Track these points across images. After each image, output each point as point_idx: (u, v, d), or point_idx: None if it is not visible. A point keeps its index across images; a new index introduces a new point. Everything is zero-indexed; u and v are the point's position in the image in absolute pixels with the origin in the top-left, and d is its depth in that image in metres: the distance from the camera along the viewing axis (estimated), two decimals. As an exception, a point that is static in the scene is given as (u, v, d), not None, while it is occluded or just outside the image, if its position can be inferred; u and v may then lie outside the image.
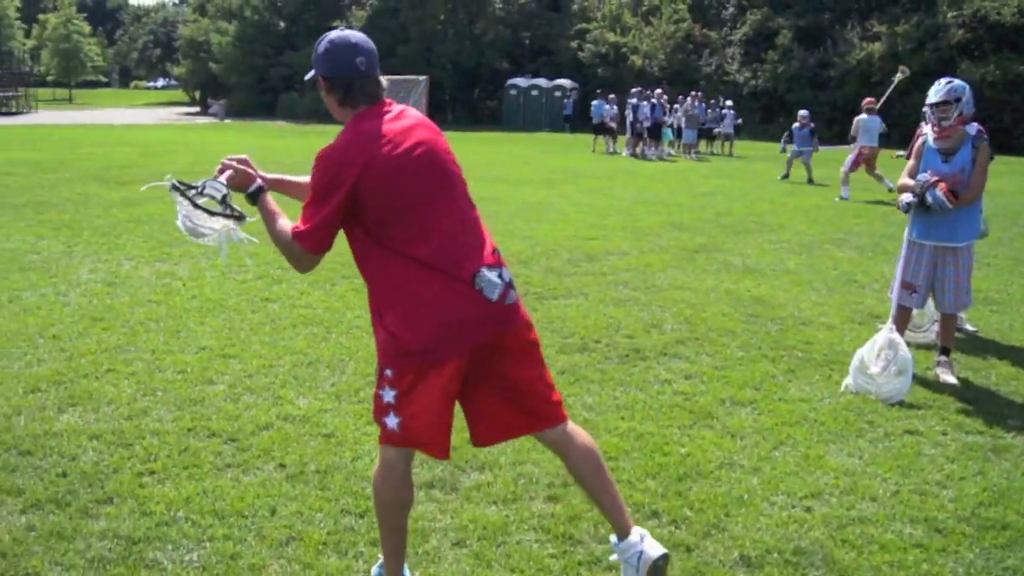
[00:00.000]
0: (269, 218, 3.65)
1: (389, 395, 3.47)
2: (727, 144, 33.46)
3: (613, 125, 32.64)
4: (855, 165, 19.60)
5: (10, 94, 59.86)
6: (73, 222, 12.83)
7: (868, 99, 20.18)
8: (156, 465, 4.91)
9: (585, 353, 7.21)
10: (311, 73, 3.62)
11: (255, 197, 3.72)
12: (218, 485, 4.69)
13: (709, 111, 33.86)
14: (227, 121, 52.28)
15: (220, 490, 4.63)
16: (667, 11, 52.36)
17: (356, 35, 3.61)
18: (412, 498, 3.71)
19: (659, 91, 32.92)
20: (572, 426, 3.77)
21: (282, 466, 4.95)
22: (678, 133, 32.57)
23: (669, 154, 31.76)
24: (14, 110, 57.59)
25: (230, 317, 7.96)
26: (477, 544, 4.18)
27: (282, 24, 61.17)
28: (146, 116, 57.97)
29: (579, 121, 47.17)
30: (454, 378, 3.47)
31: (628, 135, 31.09)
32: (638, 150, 30.66)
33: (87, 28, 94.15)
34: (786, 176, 23.22)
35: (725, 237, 13.28)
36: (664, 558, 3.64)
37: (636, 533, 3.70)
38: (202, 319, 7.87)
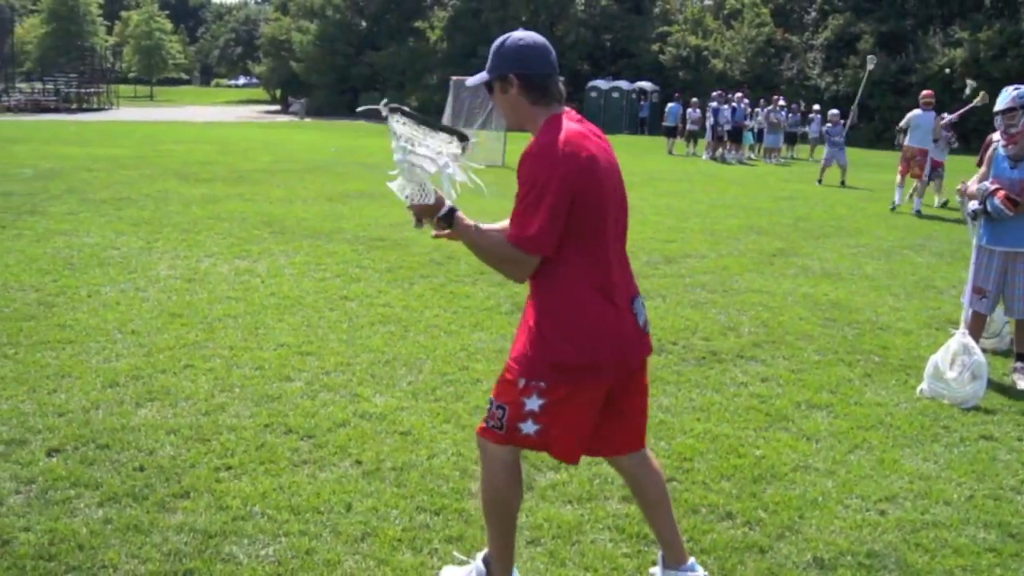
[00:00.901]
0: (473, 232, 3.46)
1: (535, 403, 3.42)
2: (813, 149, 32.96)
3: (694, 128, 32.42)
4: (903, 166, 17.77)
5: (92, 91, 61.29)
6: (153, 218, 13.11)
7: (926, 92, 18.28)
8: (233, 460, 5.00)
9: (662, 355, 7.19)
10: (480, 77, 3.52)
11: (449, 218, 3.48)
12: (294, 481, 4.77)
13: (790, 115, 33.46)
14: (307, 120, 52.98)
15: (296, 486, 4.71)
16: (749, 15, 51.88)
17: (539, 35, 3.53)
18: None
19: (739, 95, 32.62)
20: (648, 452, 3.79)
21: (358, 463, 5.02)
22: (759, 137, 32.26)
23: (749, 158, 31.48)
24: (96, 106, 58.97)
25: (308, 315, 8.07)
26: (552, 543, 4.21)
27: (363, 23, 61.79)
28: (226, 114, 59.00)
29: (657, 124, 46.96)
30: (604, 396, 3.49)
31: (708, 138, 30.87)
32: (718, 153, 30.43)
33: (169, 26, 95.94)
34: (820, 181, 23.01)
35: (803, 241, 13.14)
36: None
37: (692, 561, 3.77)
38: (280, 316, 8.00)
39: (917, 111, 17.65)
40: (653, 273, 10.31)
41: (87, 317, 7.76)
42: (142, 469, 4.85)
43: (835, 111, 24.02)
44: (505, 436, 3.50)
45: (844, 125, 23.43)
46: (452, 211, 3.46)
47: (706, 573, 3.86)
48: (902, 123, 18.15)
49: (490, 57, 3.50)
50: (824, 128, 23.66)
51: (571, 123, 3.38)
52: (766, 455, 5.31)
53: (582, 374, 3.38)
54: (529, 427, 3.45)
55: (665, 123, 34.32)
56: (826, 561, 4.14)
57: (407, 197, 3.53)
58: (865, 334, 8.05)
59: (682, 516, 4.48)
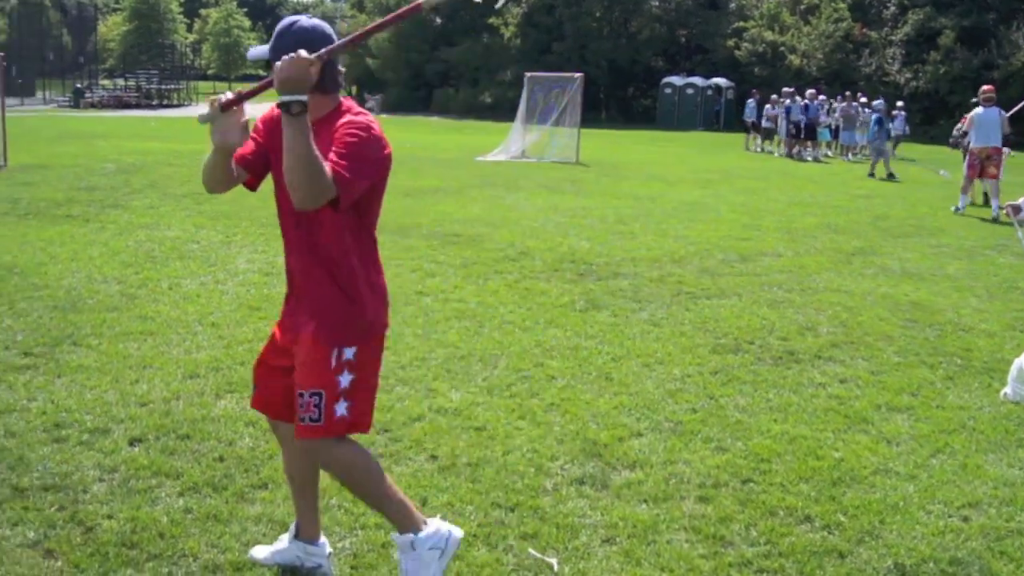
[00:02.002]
0: (306, 135, 3.14)
1: (346, 380, 3.50)
2: (896, 145, 32.24)
3: (770, 125, 32.02)
4: (971, 170, 16.67)
5: (172, 87, 62.35)
6: (232, 212, 13.29)
7: (986, 87, 17.32)
8: (311, 453, 5.05)
9: (738, 354, 7.12)
10: (261, 51, 3.51)
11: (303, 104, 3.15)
12: (371, 474, 4.79)
13: (866, 111, 32.84)
14: (382, 116, 53.35)
15: (373, 479, 4.73)
16: (827, 10, 51.02)
17: (327, 25, 3.51)
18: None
19: (811, 91, 32.09)
20: None
21: (433, 457, 5.04)
22: (835, 134, 31.75)
23: (826, 155, 31.00)
24: (176, 103, 59.99)
25: (385, 309, 8.11)
26: (627, 542, 4.18)
27: (438, 20, 62.03)
28: (304, 110, 59.59)
29: (731, 121, 46.50)
30: None
31: (784, 135, 30.48)
32: (794, 151, 30.01)
33: (247, 23, 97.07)
34: (872, 175, 23.21)
35: (883, 240, 12.91)
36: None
37: (323, 541, 3.92)
38: (357, 310, 8.04)
39: (979, 109, 16.89)
40: (728, 271, 10.21)
41: (168, 309, 7.90)
42: (222, 459, 4.92)
43: (880, 102, 24.00)
44: (324, 427, 3.48)
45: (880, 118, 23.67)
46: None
47: (329, 551, 3.90)
48: (964, 125, 17.46)
49: (276, 38, 3.46)
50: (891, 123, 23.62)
51: (361, 109, 3.54)
52: (845, 458, 5.22)
53: (380, 331, 3.64)
54: (342, 408, 3.49)
55: (745, 119, 33.98)
56: (908, 568, 4.06)
57: None
58: (947, 336, 7.88)
59: (759, 518, 4.44)
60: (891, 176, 22.90)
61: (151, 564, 3.89)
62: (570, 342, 7.28)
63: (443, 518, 3.84)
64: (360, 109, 3.52)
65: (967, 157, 17.04)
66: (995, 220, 15.58)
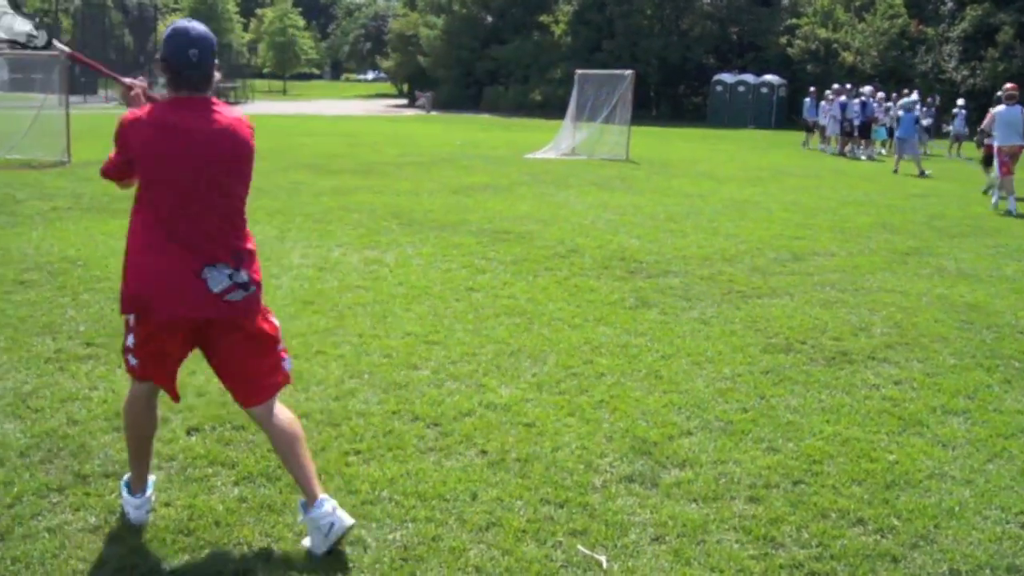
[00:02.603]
0: None
1: (130, 339, 4.06)
2: (955, 145, 31.78)
3: (825, 123, 31.68)
4: (1004, 167, 16.53)
5: (229, 85, 62.98)
6: (286, 208, 13.44)
7: (1009, 84, 17.15)
8: (362, 445, 5.11)
9: (790, 354, 7.08)
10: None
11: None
12: (421, 468, 4.84)
13: (924, 109, 32.39)
14: (433, 113, 53.59)
15: (423, 473, 4.78)
16: (882, 6, 50.38)
17: (197, 28, 3.92)
18: (154, 427, 4.30)
19: (870, 88, 31.73)
20: (276, 407, 4.20)
21: (483, 452, 5.07)
22: (890, 133, 31.34)
23: (880, 154, 30.63)
24: (232, 100, 60.59)
25: (435, 304, 8.18)
26: (676, 541, 4.19)
27: (489, 18, 62.15)
28: (355, 108, 60.08)
29: (783, 118, 46.13)
30: (181, 339, 4.05)
31: (837, 133, 30.16)
32: (847, 149, 29.70)
33: (302, 22, 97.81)
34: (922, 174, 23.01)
35: (938, 240, 12.75)
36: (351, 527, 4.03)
37: (321, 498, 4.03)
38: (408, 305, 8.12)
39: (1001, 107, 16.69)
40: (780, 270, 10.15)
41: (223, 303, 7.98)
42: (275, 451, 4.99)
43: (914, 98, 23.83)
44: (128, 369, 4.12)
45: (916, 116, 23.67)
46: None
47: (334, 504, 4.01)
48: (985, 123, 17.29)
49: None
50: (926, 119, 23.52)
51: (174, 104, 3.91)
52: (899, 460, 5.18)
53: (139, 305, 3.94)
54: (132, 359, 4.07)
55: (803, 118, 33.66)
56: (963, 574, 4.02)
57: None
58: (1005, 338, 7.78)
59: (811, 520, 4.42)
60: (922, 174, 22.83)
61: (207, 551, 3.97)
62: (619, 339, 7.28)
63: None
64: (156, 106, 3.98)
65: (997, 155, 16.90)
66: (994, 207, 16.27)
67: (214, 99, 4.01)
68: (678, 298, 8.71)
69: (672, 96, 57.64)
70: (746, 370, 6.64)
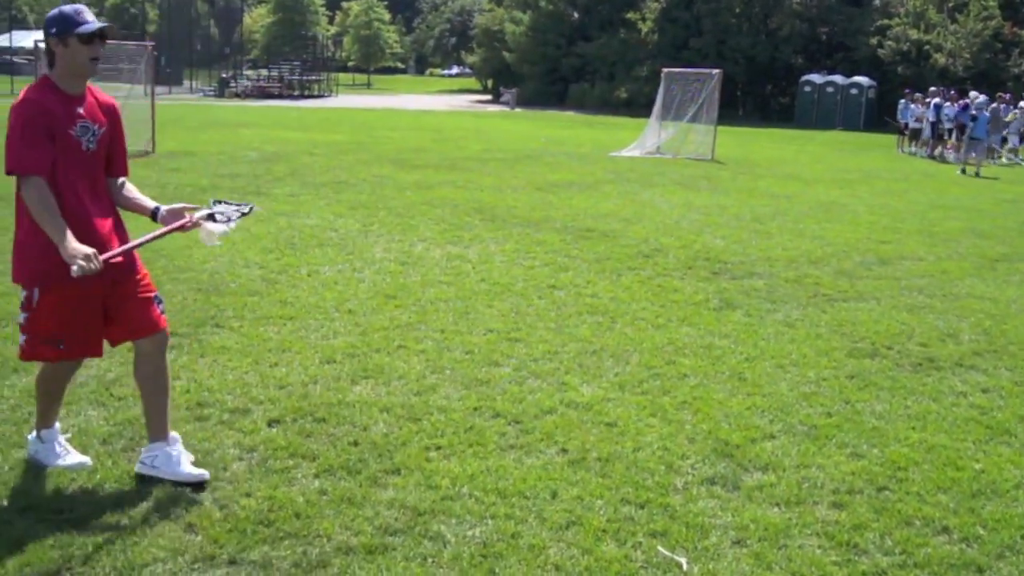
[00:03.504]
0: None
1: (21, 317, 4.39)
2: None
3: (918, 126, 30.96)
4: None
5: (313, 78, 63.80)
6: (369, 202, 13.56)
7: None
8: (442, 441, 5.12)
9: (875, 359, 6.93)
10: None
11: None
12: (501, 465, 4.83)
13: (1015, 112, 31.44)
14: (517, 110, 53.61)
15: (503, 470, 4.77)
16: (975, 8, 49.04)
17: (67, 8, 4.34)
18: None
19: (973, 92, 30.85)
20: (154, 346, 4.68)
21: (564, 451, 5.05)
22: (961, 130, 30.44)
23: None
24: (316, 93, 61.41)
25: (517, 302, 8.17)
26: (758, 545, 4.12)
27: (576, 15, 61.92)
28: (439, 103, 60.37)
29: (872, 120, 45.22)
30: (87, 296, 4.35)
31: (928, 137, 29.47)
32: (937, 152, 29.00)
33: (387, 16, 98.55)
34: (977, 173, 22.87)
35: (1032, 247, 12.39)
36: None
37: (173, 435, 4.57)
38: (490, 302, 8.13)
39: None
40: (866, 274, 9.95)
41: (307, 295, 8.09)
42: (356, 444, 5.02)
43: (978, 97, 23.25)
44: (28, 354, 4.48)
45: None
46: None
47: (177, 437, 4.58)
48: None
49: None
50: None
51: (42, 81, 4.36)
52: (986, 469, 5.04)
53: (50, 274, 4.21)
54: (22, 338, 4.40)
55: (897, 120, 32.93)
56: (1052, 586, 3.90)
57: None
58: (1101, 348, 7.52)
59: (895, 527, 4.32)
60: (977, 175, 22.67)
61: (287, 543, 4.00)
62: (703, 341, 7.20)
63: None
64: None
65: None
66: None
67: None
68: (763, 300, 8.59)
69: (759, 96, 56.84)
70: (831, 374, 6.52)
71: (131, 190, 4.68)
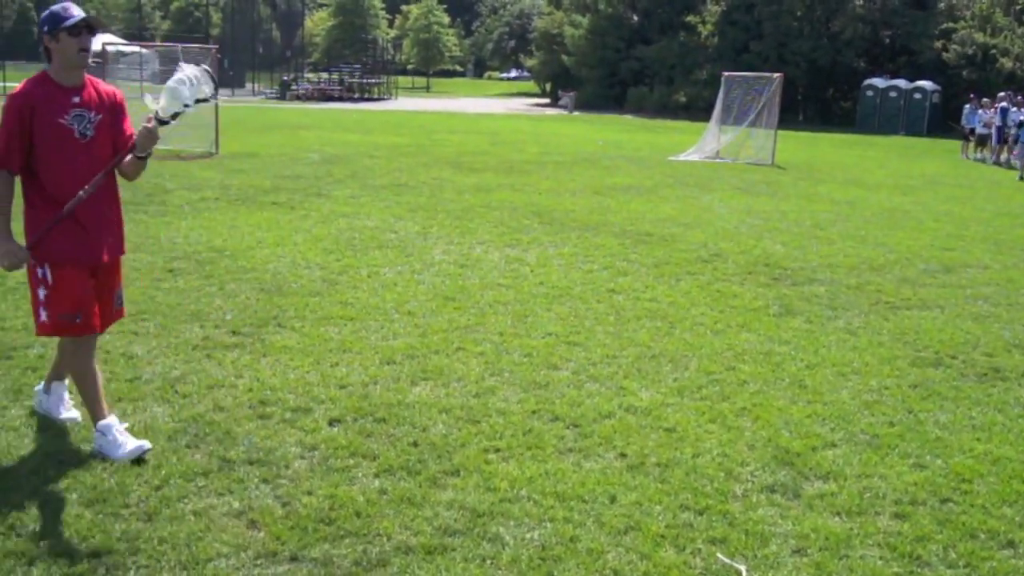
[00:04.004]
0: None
1: (41, 293, 4.71)
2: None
3: (985, 131, 30.43)
4: None
5: (373, 81, 64.24)
6: (428, 205, 13.64)
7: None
8: (501, 443, 5.13)
9: (939, 368, 6.83)
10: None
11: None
12: (560, 468, 4.83)
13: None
14: (575, 113, 53.56)
15: (562, 473, 4.77)
16: (1044, 10, 48.19)
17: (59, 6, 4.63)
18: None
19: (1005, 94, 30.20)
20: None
21: (623, 455, 5.04)
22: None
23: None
24: (376, 96, 61.80)
25: (575, 305, 8.17)
26: (818, 554, 4.08)
27: (635, 18, 61.72)
28: (497, 106, 60.54)
29: (937, 125, 44.54)
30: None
31: (994, 142, 28.97)
32: (1002, 158, 28.48)
33: (446, 19, 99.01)
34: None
35: (1103, 255, 12.12)
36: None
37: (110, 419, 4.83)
38: (548, 305, 8.13)
39: None
40: (930, 282, 9.80)
41: (367, 296, 8.16)
42: (416, 444, 5.05)
43: None
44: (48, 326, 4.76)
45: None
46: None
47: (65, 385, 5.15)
48: None
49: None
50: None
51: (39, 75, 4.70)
52: (1055, 483, 4.94)
53: (61, 251, 4.62)
54: (43, 314, 4.69)
55: (962, 126, 32.40)
56: (1124, 604, 3.82)
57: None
58: None
59: (959, 540, 4.25)
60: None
61: (347, 541, 4.04)
62: (763, 347, 7.15)
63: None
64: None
65: None
66: None
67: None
68: (824, 307, 8.50)
69: (820, 100, 56.22)
70: (893, 383, 6.43)
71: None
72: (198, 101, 4.78)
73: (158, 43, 59.70)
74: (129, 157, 4.77)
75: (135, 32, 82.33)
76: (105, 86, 4.89)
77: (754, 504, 4.51)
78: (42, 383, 5.32)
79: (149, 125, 4.65)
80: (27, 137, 4.54)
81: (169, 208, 12.38)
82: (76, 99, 4.64)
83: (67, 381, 5.23)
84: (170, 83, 4.69)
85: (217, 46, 23.56)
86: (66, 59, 4.61)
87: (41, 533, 4.00)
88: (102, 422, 4.79)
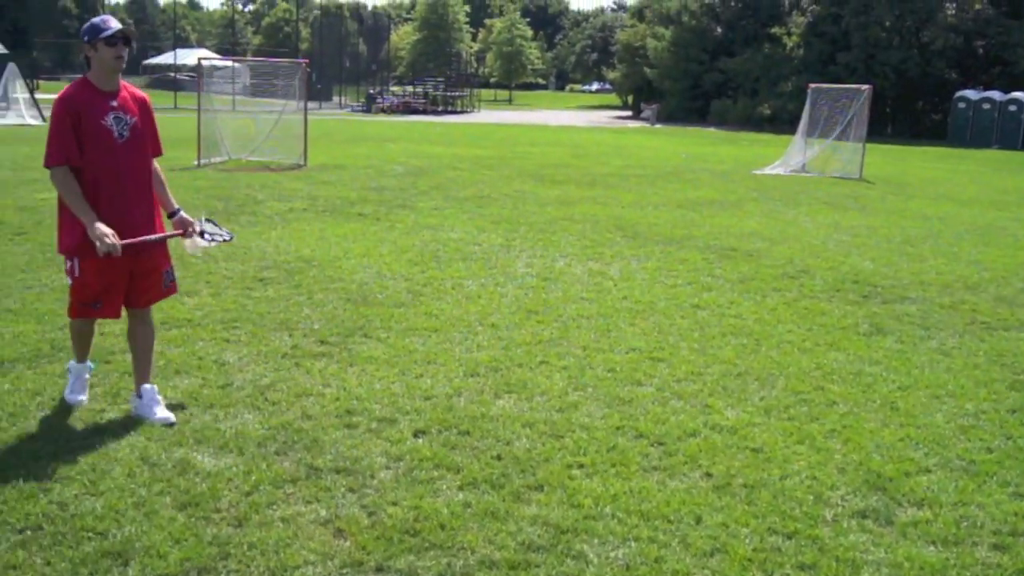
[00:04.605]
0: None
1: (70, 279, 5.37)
2: None
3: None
4: None
5: (456, 94, 64.67)
6: (511, 217, 13.66)
7: None
8: (585, 459, 5.09)
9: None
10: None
11: None
12: (644, 486, 4.78)
13: None
14: (657, 126, 53.33)
15: (646, 491, 4.72)
16: None
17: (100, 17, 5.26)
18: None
19: None
20: (149, 314, 5.66)
21: (708, 475, 4.96)
22: None
23: None
24: (459, 109, 62.23)
25: (659, 321, 8.10)
26: (913, 583, 3.97)
27: (719, 30, 61.30)
28: (579, 118, 60.53)
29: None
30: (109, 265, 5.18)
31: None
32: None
33: (529, 32, 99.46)
34: None
35: None
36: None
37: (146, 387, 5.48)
38: (632, 320, 8.07)
39: None
40: (1029, 301, 9.52)
41: (451, 308, 8.19)
42: (499, 458, 5.04)
43: None
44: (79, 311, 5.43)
45: None
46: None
47: (153, 388, 5.49)
48: None
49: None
50: None
51: (79, 81, 5.24)
52: None
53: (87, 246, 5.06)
54: (71, 300, 5.40)
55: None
56: None
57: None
58: None
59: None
60: None
61: (432, 553, 4.04)
62: (852, 367, 7.00)
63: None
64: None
65: None
66: None
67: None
68: (916, 326, 8.30)
69: (910, 112, 55.15)
70: (991, 407, 6.25)
71: (159, 177, 5.56)
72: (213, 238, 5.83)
73: (249, 57, 60.90)
74: (158, 189, 5.53)
75: (228, 47, 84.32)
76: (137, 91, 5.44)
77: (845, 530, 4.40)
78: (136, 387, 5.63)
79: (195, 227, 5.63)
80: (77, 134, 5.05)
81: (260, 219, 12.58)
82: (113, 103, 5.18)
83: (155, 385, 5.56)
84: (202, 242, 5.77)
85: (307, 60, 23.90)
86: (104, 66, 5.14)
87: (136, 535, 4.07)
88: (77, 364, 5.66)
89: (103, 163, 5.11)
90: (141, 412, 5.42)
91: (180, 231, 5.59)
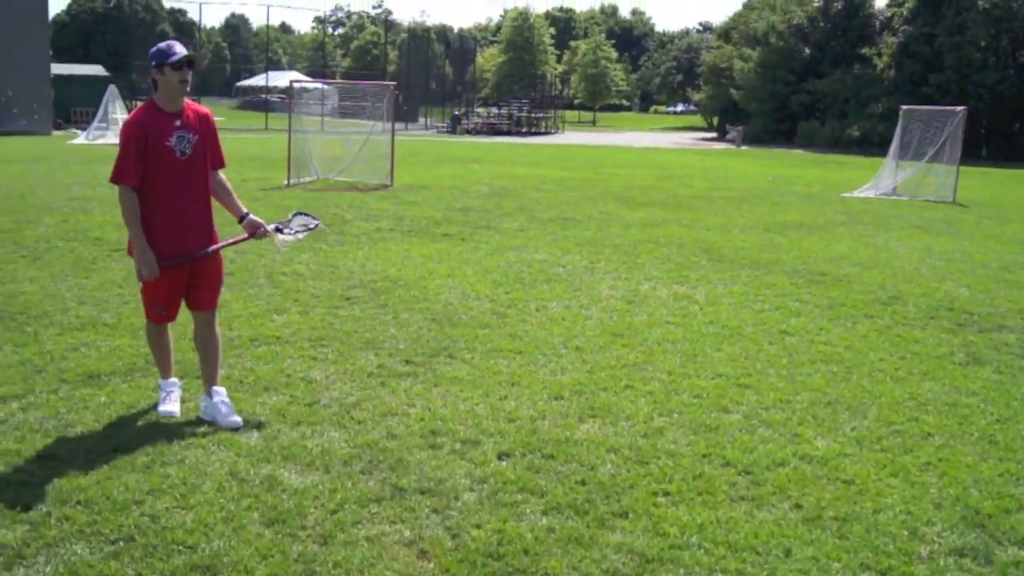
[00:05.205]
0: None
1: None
2: None
3: None
4: None
5: (541, 115, 64.92)
6: (595, 239, 13.60)
7: None
8: (671, 486, 5.00)
9: None
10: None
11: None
12: (731, 516, 4.68)
13: None
14: (743, 148, 52.84)
15: (733, 521, 4.62)
16: None
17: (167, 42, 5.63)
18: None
19: None
20: (214, 317, 5.91)
21: (798, 507, 4.84)
22: None
23: None
24: (543, 130, 62.43)
25: (746, 346, 7.97)
26: (1012, 624, 3.82)
27: (807, 51, 60.60)
28: (663, 140, 60.27)
29: None
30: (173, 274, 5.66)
31: None
32: None
33: (614, 54, 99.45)
34: None
35: None
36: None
37: (214, 389, 5.76)
38: (718, 345, 7.96)
39: None
40: None
41: (535, 330, 8.16)
42: (583, 483, 4.99)
43: None
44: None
45: None
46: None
47: (221, 391, 5.75)
48: None
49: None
50: None
51: (147, 104, 5.59)
52: None
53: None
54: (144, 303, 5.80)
55: None
56: None
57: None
58: None
59: None
60: None
61: (515, 578, 4.00)
62: (948, 397, 6.80)
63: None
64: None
65: None
66: None
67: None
68: (1015, 356, 8.04)
69: (1005, 134, 53.75)
70: (1094, 441, 6.02)
71: (226, 187, 5.88)
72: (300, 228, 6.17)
73: (339, 80, 61.83)
74: (225, 196, 5.90)
75: (317, 69, 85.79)
76: (200, 108, 5.76)
77: (941, 568, 4.25)
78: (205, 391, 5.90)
79: (268, 227, 5.92)
80: (144, 156, 5.38)
81: (347, 238, 12.72)
82: (177, 123, 5.50)
83: (174, 378, 6.00)
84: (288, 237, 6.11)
85: (396, 83, 24.22)
86: (170, 89, 5.46)
87: (224, 549, 4.11)
88: (163, 380, 5.93)
89: (165, 178, 5.47)
90: (209, 415, 5.67)
91: (249, 235, 5.90)
